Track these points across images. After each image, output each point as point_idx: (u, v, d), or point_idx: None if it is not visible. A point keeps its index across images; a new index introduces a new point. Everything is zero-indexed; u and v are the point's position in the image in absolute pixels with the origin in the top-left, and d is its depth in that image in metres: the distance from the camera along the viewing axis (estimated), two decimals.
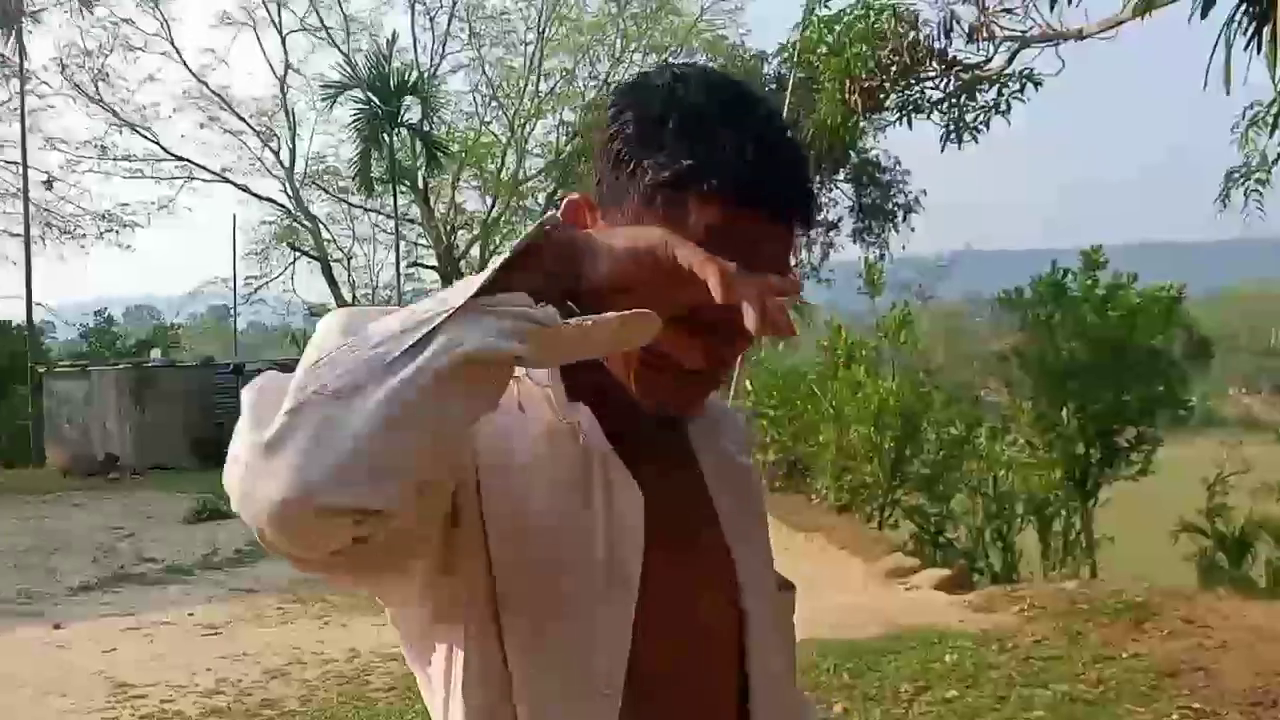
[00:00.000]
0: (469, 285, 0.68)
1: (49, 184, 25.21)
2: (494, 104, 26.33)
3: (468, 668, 0.85)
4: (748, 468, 1.07)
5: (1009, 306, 14.29)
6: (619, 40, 25.23)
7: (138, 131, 25.41)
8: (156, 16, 25.29)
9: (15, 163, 24.33)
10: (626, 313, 0.71)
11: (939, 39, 7.44)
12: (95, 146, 25.35)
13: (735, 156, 0.83)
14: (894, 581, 8.16)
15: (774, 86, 16.04)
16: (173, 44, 25.64)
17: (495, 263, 0.70)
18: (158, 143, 25.69)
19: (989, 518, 12.43)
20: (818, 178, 19.72)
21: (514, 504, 0.86)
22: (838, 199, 20.38)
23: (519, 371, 0.87)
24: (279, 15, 25.25)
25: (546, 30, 25.38)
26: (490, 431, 0.86)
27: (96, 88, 24.94)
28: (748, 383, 12.82)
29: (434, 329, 0.66)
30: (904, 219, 20.64)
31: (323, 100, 23.78)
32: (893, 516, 11.90)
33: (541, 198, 25.86)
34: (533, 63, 25.68)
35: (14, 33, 23.37)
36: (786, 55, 7.83)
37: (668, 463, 0.96)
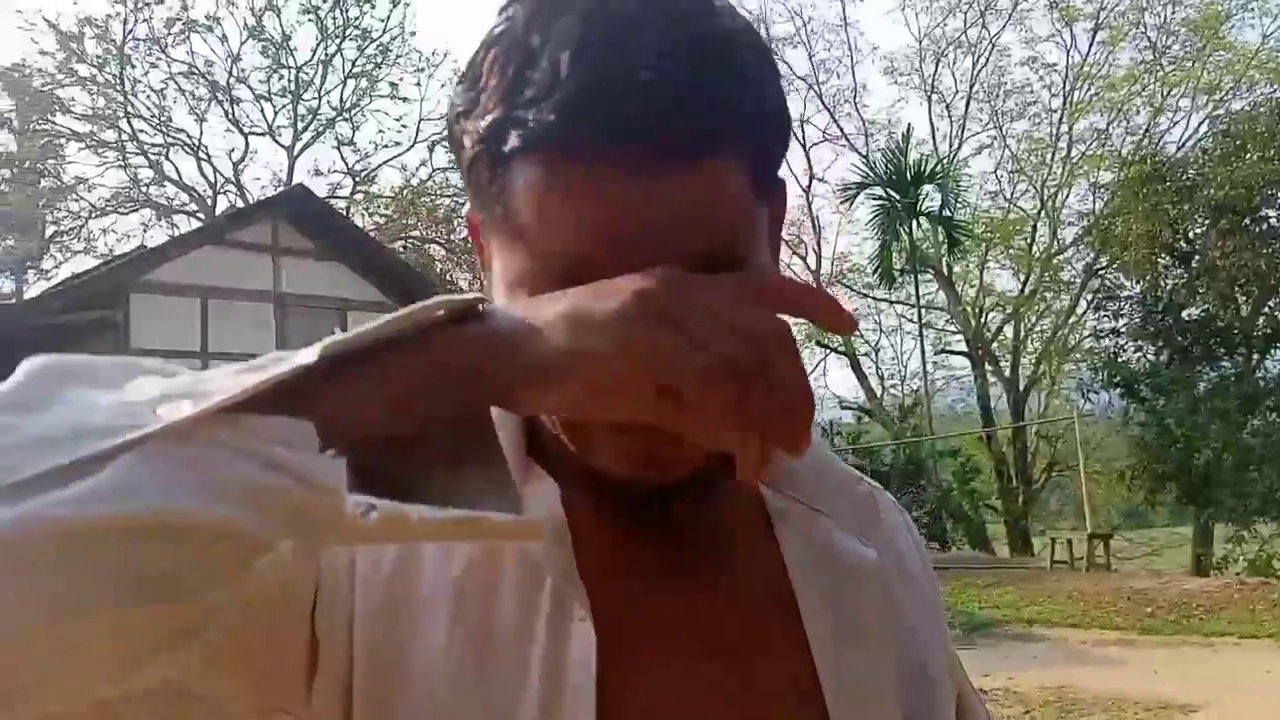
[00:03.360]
0: (226, 390, 0.42)
1: None
2: (1020, 178, 25.41)
3: None
4: (865, 564, 0.70)
5: None
6: (1159, 88, 22.93)
7: None
8: None
9: None
10: (475, 520, 0.44)
11: None
12: None
13: (567, 72, 0.50)
14: None
15: None
16: None
17: (304, 356, 0.43)
18: None
19: None
20: None
21: (399, 670, 0.58)
22: None
23: None
24: (803, 132, 26.91)
25: (1073, 94, 24.05)
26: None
27: None
28: None
29: (114, 450, 0.40)
30: None
31: (842, 202, 24.65)
32: None
33: (1080, 267, 24.08)
34: (1060, 129, 24.40)
35: None
36: None
37: (713, 555, 0.66)
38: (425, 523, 0.42)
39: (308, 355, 0.43)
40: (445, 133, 0.60)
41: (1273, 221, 19.10)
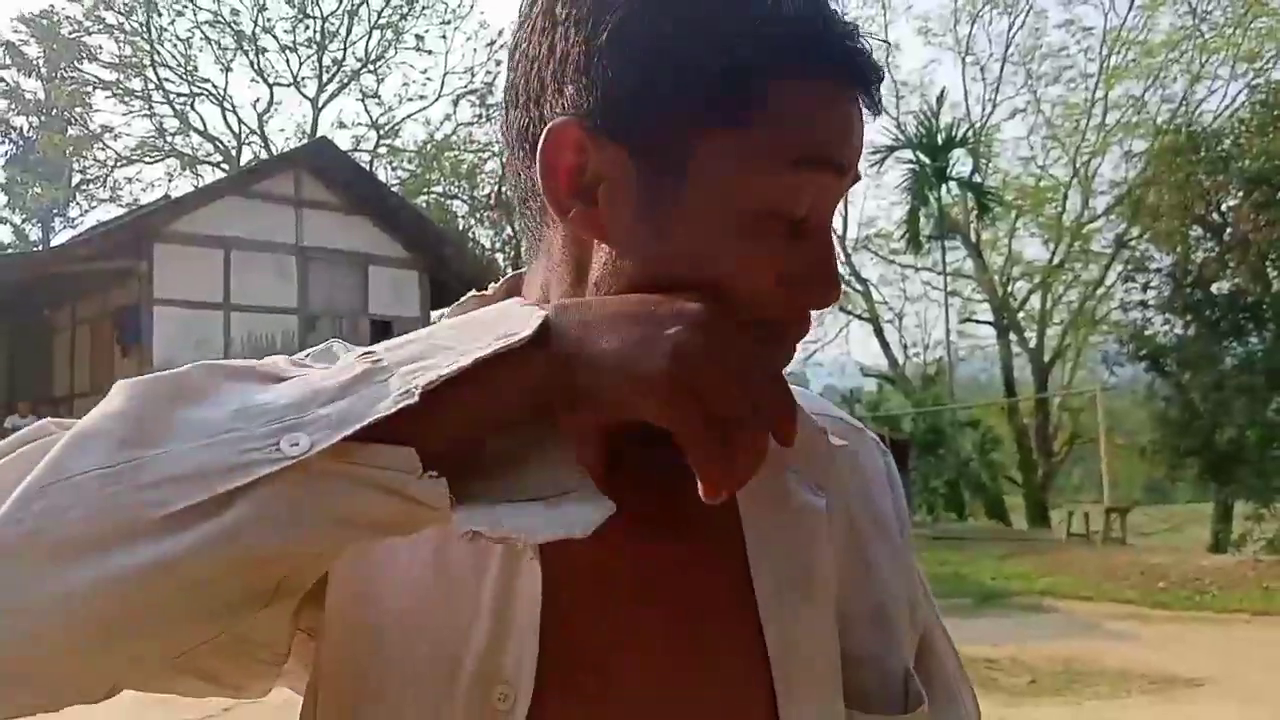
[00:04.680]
0: (337, 418, 0.48)
1: None
2: (1053, 144, 25.05)
3: None
4: (815, 511, 0.70)
5: None
6: (1197, 55, 22.45)
7: None
8: None
9: None
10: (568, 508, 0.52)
11: None
12: None
13: (802, 9, 0.59)
14: None
15: None
16: None
17: (397, 387, 0.49)
18: None
19: None
20: None
21: (361, 600, 0.64)
22: None
23: None
24: None
25: (1110, 59, 23.62)
26: None
27: None
28: None
29: (252, 483, 0.46)
30: None
31: (871, 165, 24.42)
32: None
33: (1111, 237, 23.77)
34: (1095, 95, 23.99)
35: None
36: None
37: (667, 501, 0.65)
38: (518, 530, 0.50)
39: (402, 387, 0.48)
40: (510, 74, 0.65)
41: None
